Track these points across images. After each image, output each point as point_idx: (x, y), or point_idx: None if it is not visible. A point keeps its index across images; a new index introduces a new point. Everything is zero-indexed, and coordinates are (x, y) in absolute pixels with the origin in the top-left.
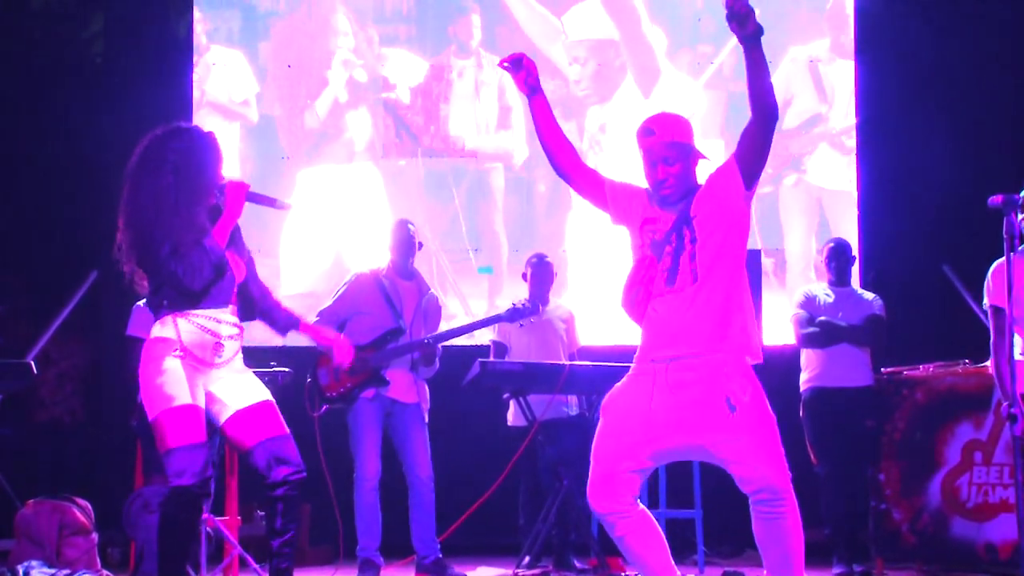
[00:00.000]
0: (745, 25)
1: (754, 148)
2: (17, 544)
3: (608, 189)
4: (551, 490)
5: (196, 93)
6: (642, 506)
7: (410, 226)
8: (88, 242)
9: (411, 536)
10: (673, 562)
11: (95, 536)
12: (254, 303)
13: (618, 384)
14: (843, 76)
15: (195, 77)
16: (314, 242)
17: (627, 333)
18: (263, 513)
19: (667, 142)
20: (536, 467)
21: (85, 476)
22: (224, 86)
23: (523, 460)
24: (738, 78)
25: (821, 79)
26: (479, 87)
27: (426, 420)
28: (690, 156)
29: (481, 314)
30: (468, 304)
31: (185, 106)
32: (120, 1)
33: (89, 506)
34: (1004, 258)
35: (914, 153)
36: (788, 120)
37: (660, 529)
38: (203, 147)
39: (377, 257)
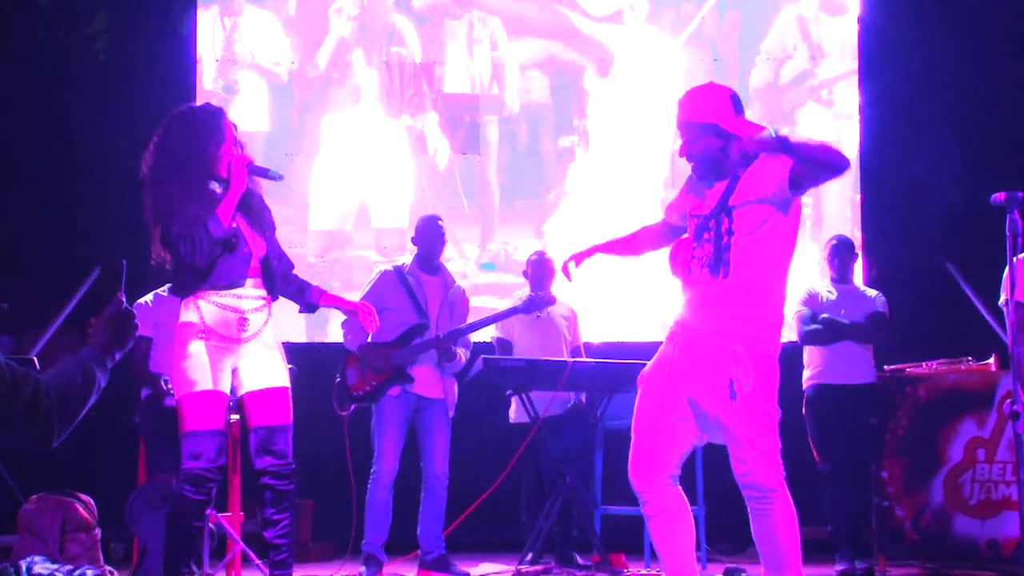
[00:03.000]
0: (768, 148)
1: (812, 178)
2: (20, 539)
3: (676, 219)
4: (554, 486)
5: (223, 53)
6: (680, 492)
7: (439, 222)
8: (91, 238)
9: (417, 531)
10: (695, 558)
11: (98, 532)
12: (275, 279)
13: (654, 358)
14: (831, 31)
15: (231, 37)
16: (340, 182)
17: (630, 330)
18: None
19: (685, 122)
20: (539, 463)
21: (88, 472)
22: (256, 46)
23: (526, 456)
24: (720, 35)
25: (810, 35)
26: (471, 45)
27: (451, 415)
28: (710, 134)
29: (472, 258)
30: (462, 248)
31: (188, 101)
32: None
33: (92, 502)
34: None
35: (917, 151)
36: (783, 76)
37: (692, 521)
38: (202, 124)
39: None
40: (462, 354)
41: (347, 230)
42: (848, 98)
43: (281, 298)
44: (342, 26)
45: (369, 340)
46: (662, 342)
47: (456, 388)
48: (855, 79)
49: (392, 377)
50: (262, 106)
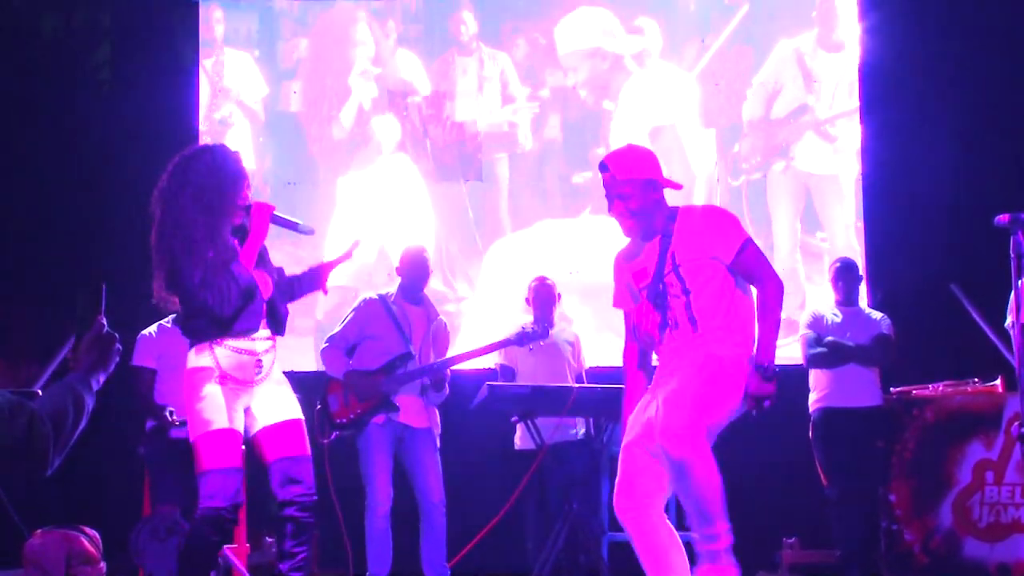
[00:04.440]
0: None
1: (745, 279)
2: (25, 574)
3: (625, 285)
4: (560, 513)
5: (207, 99)
6: (667, 521)
7: (424, 254)
8: (94, 266)
9: (421, 561)
10: None
11: (103, 566)
12: (281, 318)
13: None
14: (828, 68)
15: (213, 76)
16: (358, 238)
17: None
18: (272, 540)
19: (621, 179)
20: (544, 490)
21: (93, 504)
22: (237, 85)
23: (531, 484)
24: (729, 69)
25: (808, 70)
26: (482, 82)
27: (438, 445)
28: (649, 190)
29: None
30: (474, 283)
31: (192, 130)
32: (127, 27)
33: (97, 535)
34: None
35: (921, 170)
36: (776, 110)
37: (682, 548)
38: (225, 167)
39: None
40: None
41: (360, 287)
42: (849, 132)
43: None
44: (365, 89)
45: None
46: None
47: (439, 418)
48: (855, 115)
49: (377, 405)
50: (246, 143)
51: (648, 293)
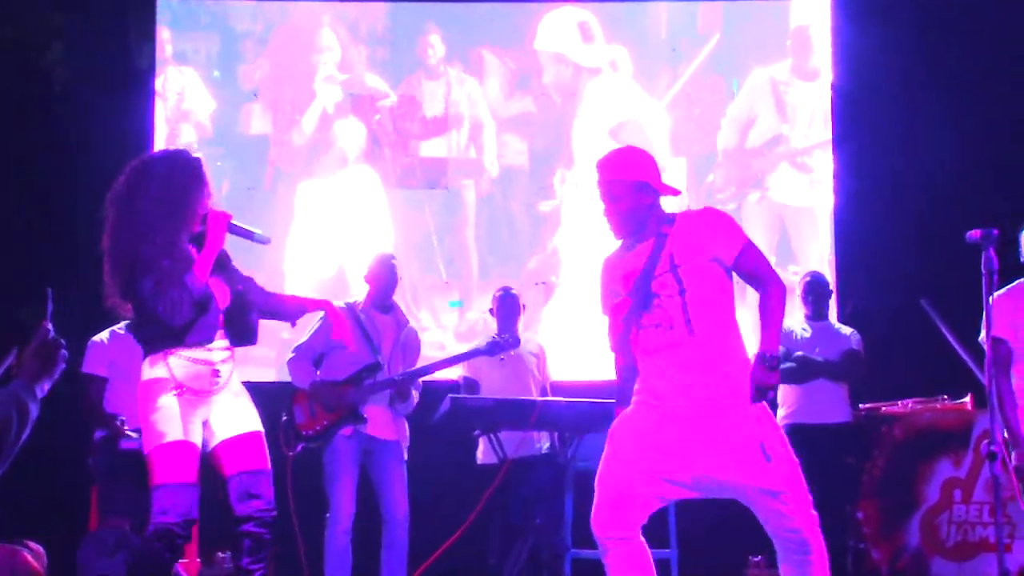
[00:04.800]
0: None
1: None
2: None
3: (612, 290)
4: (523, 529)
5: (164, 112)
6: (644, 543)
7: (392, 261)
8: (44, 269)
9: None
10: None
11: None
12: (257, 309)
13: (625, 414)
14: (803, 97)
15: (161, 95)
16: (317, 252)
17: (601, 368)
18: (225, 555)
19: (612, 180)
20: (507, 506)
21: (38, 518)
22: (191, 105)
23: (494, 498)
24: (703, 98)
25: (783, 99)
26: (449, 108)
27: (405, 458)
28: (642, 192)
29: (451, 327)
30: (439, 319)
31: (146, 134)
32: (80, 29)
33: (42, 550)
34: (1006, 289)
35: (891, 186)
36: (751, 139)
37: (653, 569)
38: (185, 173)
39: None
40: (414, 395)
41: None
42: (825, 163)
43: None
44: (329, 93)
45: (319, 377)
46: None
47: (407, 429)
48: (829, 146)
49: (345, 416)
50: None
51: (637, 293)
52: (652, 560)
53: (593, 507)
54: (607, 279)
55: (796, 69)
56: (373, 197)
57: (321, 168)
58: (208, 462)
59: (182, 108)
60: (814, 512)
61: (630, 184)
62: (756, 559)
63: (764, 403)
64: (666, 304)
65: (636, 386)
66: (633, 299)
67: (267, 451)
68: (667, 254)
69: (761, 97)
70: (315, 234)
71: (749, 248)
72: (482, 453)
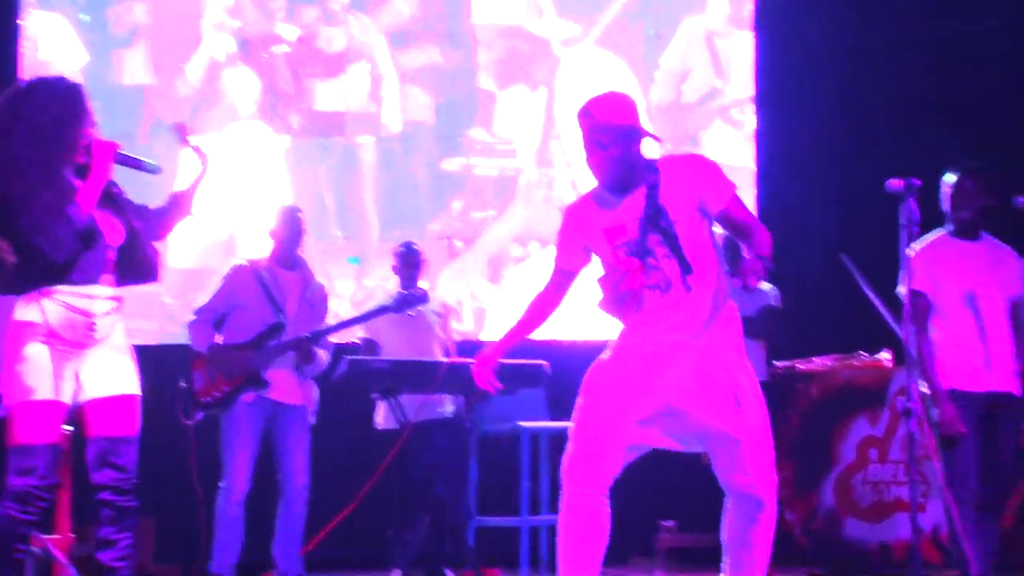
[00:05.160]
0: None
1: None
2: None
3: (581, 244)
4: (424, 497)
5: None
6: (609, 507)
7: (298, 213)
8: None
9: (273, 550)
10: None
11: None
12: (135, 267)
13: (602, 362)
14: (739, 49)
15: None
16: (206, 212)
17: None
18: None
19: (602, 124)
20: (407, 473)
21: None
22: (50, 55)
23: (393, 465)
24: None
25: (717, 52)
26: (348, 58)
27: (312, 422)
28: (631, 138)
29: (347, 295)
30: (334, 286)
31: (10, 70)
32: None
33: None
34: (926, 241)
35: (814, 142)
36: (686, 94)
37: (607, 540)
38: (64, 101)
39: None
40: (323, 356)
41: (211, 267)
42: (754, 119)
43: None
44: (219, 40)
45: (219, 340)
46: (552, 341)
47: (316, 393)
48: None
49: (246, 382)
50: None
51: (632, 251)
52: (607, 531)
53: (566, 456)
54: (578, 232)
55: (733, 18)
56: (267, 154)
57: (210, 122)
58: (72, 417)
59: (45, 57)
60: (774, 474)
61: (621, 129)
62: (667, 524)
63: (748, 361)
64: (663, 264)
65: (616, 340)
66: (634, 257)
67: (138, 417)
68: (660, 207)
69: (695, 49)
70: (203, 194)
71: (737, 197)
72: (381, 418)
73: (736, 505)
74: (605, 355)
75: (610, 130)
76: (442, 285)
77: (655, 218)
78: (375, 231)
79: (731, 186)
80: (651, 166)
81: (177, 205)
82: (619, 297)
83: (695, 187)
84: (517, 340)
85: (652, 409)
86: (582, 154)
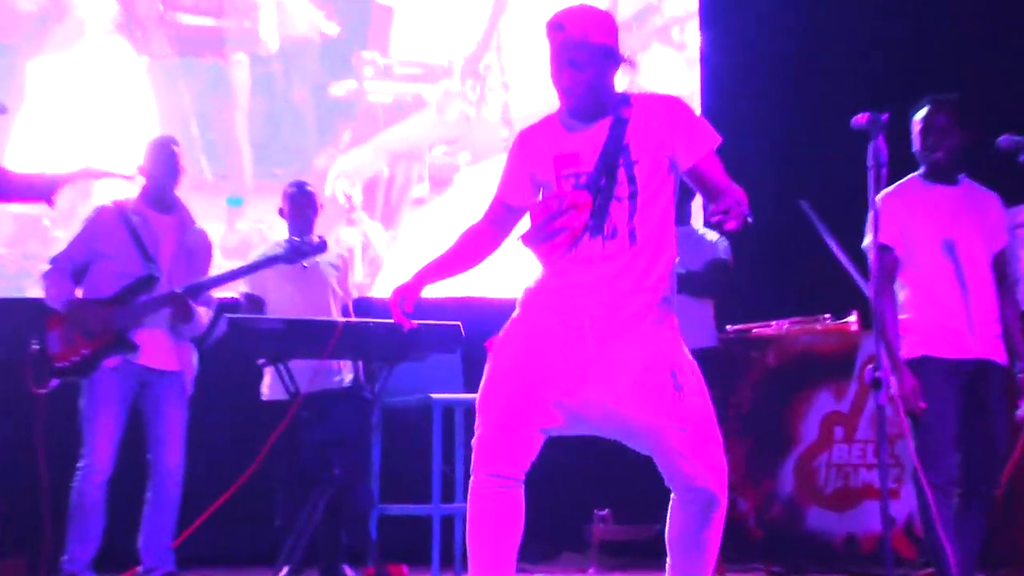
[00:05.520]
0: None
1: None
2: None
3: (528, 172)
4: (318, 481)
5: None
6: (523, 496)
7: (173, 146)
8: None
9: (138, 542)
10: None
11: None
12: None
13: (517, 321)
14: None
15: None
16: (50, 146)
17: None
18: None
19: (577, 41)
20: (298, 452)
21: None
22: None
23: (281, 443)
24: None
25: None
26: None
27: (190, 391)
28: (607, 61)
29: (216, 241)
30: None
31: None
32: None
33: None
34: (896, 186)
35: (767, 67)
36: (620, 11)
37: (521, 531)
38: None
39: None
40: (203, 314)
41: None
42: (697, 39)
43: None
44: None
45: (80, 295)
46: (469, 298)
47: (195, 358)
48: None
49: (110, 344)
50: None
51: (580, 183)
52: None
53: (477, 437)
54: (527, 157)
55: None
56: (124, 77)
57: (55, 41)
58: None
59: None
60: (724, 463)
61: (598, 49)
62: (601, 513)
63: (678, 329)
64: (612, 207)
65: (532, 288)
66: (581, 191)
67: None
68: (627, 144)
69: None
70: (52, 124)
71: (715, 155)
72: (268, 387)
73: (684, 503)
74: (517, 312)
75: (586, 48)
76: (321, 228)
77: (615, 154)
78: (249, 166)
79: (712, 141)
80: (625, 98)
81: (38, 187)
82: (551, 232)
83: (669, 133)
84: (442, 275)
85: (572, 392)
86: (528, 73)
